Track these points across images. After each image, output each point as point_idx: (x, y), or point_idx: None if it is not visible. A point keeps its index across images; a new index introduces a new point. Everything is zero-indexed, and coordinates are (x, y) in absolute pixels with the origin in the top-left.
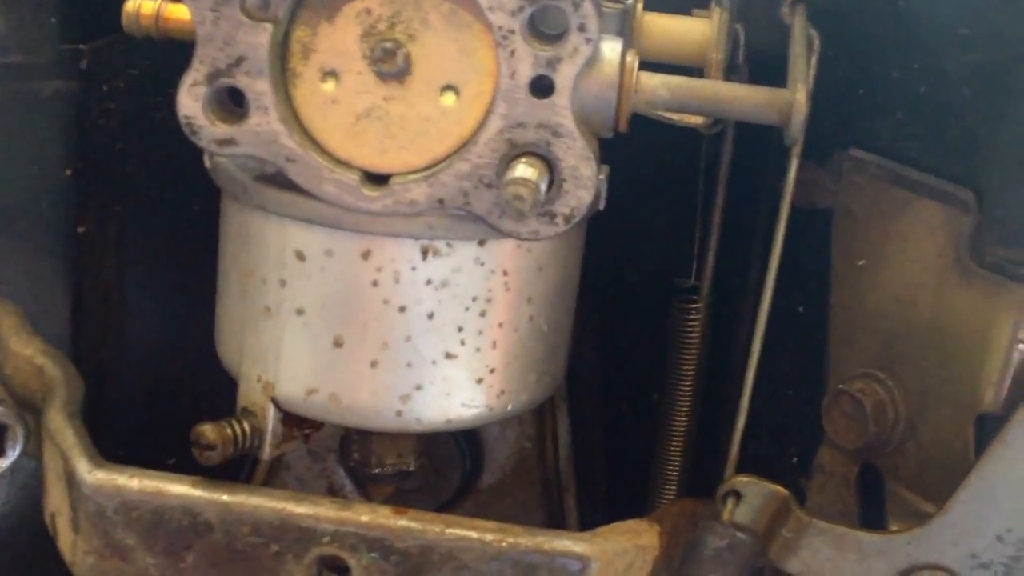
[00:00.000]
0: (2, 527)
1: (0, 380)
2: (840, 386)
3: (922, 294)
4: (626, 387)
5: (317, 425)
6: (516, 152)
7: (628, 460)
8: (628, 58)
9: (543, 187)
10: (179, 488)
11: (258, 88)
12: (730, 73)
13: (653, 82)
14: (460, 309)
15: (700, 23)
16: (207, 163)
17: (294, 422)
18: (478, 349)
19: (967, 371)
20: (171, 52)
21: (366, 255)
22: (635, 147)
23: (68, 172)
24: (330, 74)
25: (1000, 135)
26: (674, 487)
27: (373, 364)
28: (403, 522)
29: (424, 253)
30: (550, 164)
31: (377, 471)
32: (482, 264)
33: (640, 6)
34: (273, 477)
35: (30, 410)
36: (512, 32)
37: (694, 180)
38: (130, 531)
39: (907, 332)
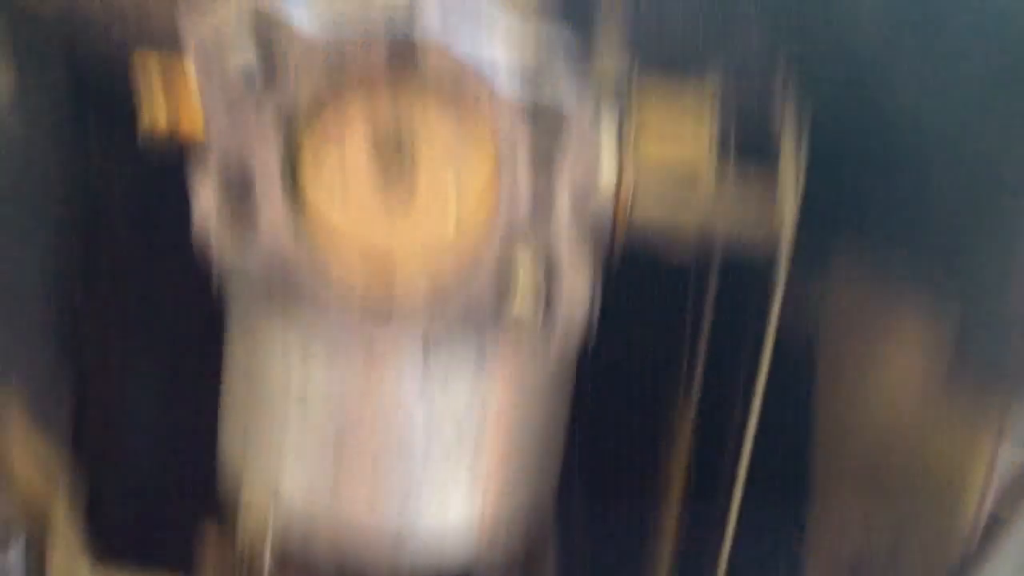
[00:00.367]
0: None
1: (5, 476)
2: (825, 503)
3: (909, 406)
4: (619, 502)
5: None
6: (516, 261)
7: (620, 574)
8: (624, 178)
9: (541, 301)
10: None
11: (269, 196)
12: (722, 180)
13: (647, 199)
14: (458, 415)
15: (694, 128)
16: (216, 269)
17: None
18: (475, 450)
19: (954, 486)
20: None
21: (369, 357)
22: (629, 261)
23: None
24: (339, 183)
25: (983, 252)
26: None
27: (374, 464)
28: None
29: (425, 361)
30: (549, 273)
31: None
32: (480, 377)
33: (637, 115)
34: None
35: (34, 507)
36: (514, 150)
37: (684, 297)
38: None
39: (893, 447)
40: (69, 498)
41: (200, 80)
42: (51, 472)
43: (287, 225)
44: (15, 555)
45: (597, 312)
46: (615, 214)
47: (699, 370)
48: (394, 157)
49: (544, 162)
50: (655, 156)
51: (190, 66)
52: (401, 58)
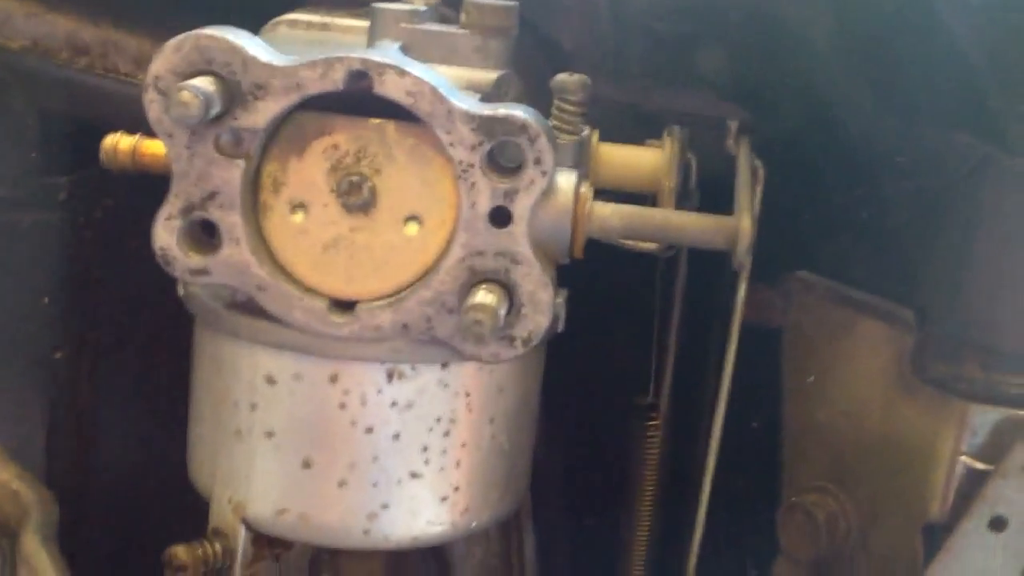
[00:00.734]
0: None
1: None
2: (793, 499)
3: (870, 409)
4: (590, 502)
5: (287, 545)
6: (476, 279)
7: (593, 574)
8: (582, 189)
9: (502, 312)
10: None
11: (230, 220)
12: (682, 200)
13: (606, 211)
14: (424, 430)
15: (653, 152)
16: (180, 291)
17: (264, 542)
18: (442, 468)
19: (914, 483)
20: (145, 183)
21: (334, 379)
22: (595, 269)
23: (45, 300)
24: (299, 206)
25: (935, 255)
26: None
27: (341, 484)
28: None
29: (389, 376)
30: (509, 290)
31: None
32: (445, 386)
33: (595, 137)
34: None
35: (5, 534)
36: (472, 166)
37: (651, 300)
38: None
39: (856, 446)
40: (40, 523)
41: (159, 107)
42: (22, 496)
43: (249, 248)
44: None
45: (563, 322)
46: (575, 225)
47: (669, 365)
48: (353, 176)
49: (502, 175)
50: (614, 174)
51: (149, 94)
52: (358, 79)
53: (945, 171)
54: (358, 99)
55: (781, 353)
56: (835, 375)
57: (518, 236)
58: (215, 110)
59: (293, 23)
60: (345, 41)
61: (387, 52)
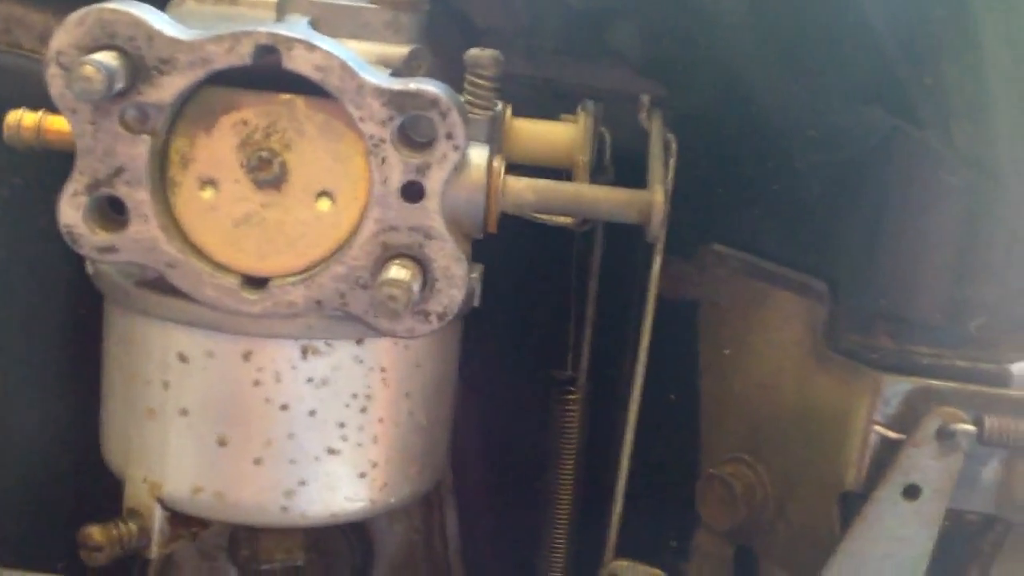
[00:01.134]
0: None
1: None
2: (711, 470)
3: (784, 380)
4: (510, 476)
5: (204, 523)
6: (390, 254)
7: (515, 547)
8: (495, 163)
9: (416, 287)
10: None
11: (138, 197)
12: (597, 174)
13: (519, 185)
14: (341, 406)
15: (567, 127)
16: (89, 269)
17: (181, 521)
18: (360, 444)
19: (829, 453)
20: (55, 161)
21: (247, 356)
22: (510, 244)
23: None
24: (208, 182)
25: (847, 228)
26: (559, 572)
27: (257, 462)
28: None
29: (304, 353)
30: (423, 265)
31: (266, 567)
32: (361, 362)
33: (509, 112)
34: None
35: None
36: (383, 141)
37: (568, 274)
38: None
39: (772, 417)
40: None
41: (62, 82)
42: None
43: (157, 225)
44: None
45: (479, 297)
46: (488, 200)
47: (587, 338)
48: (263, 152)
49: (414, 149)
50: (528, 149)
51: (51, 68)
52: (266, 53)
53: (855, 144)
54: (268, 74)
55: (696, 326)
56: (750, 347)
57: (431, 211)
58: (119, 85)
59: None
60: (253, 16)
61: (296, 27)
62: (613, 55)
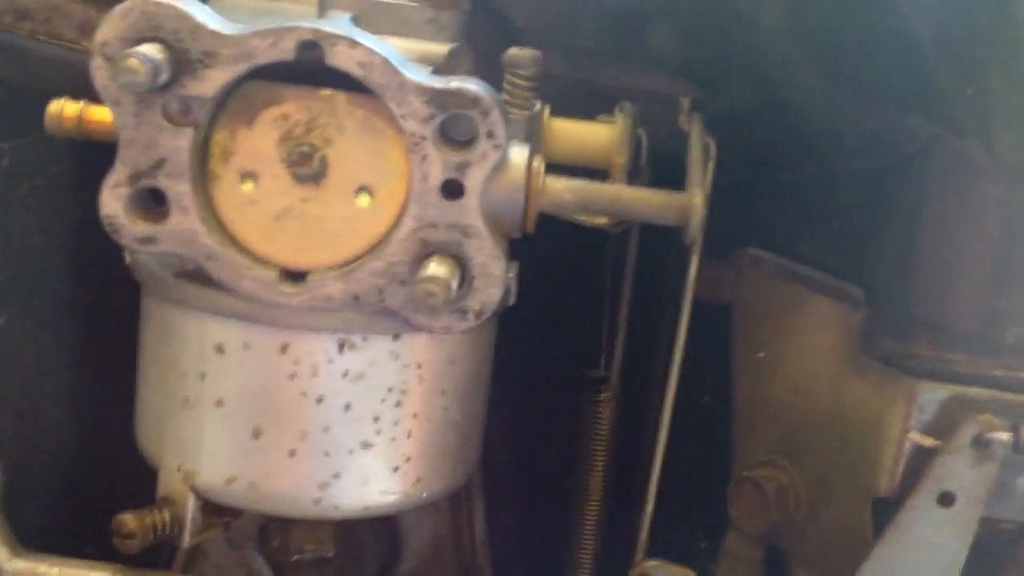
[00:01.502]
0: None
1: None
2: (743, 473)
3: (819, 385)
4: (540, 474)
5: (237, 513)
6: (428, 251)
7: (543, 545)
8: (534, 163)
9: (454, 284)
10: None
11: (179, 189)
12: (633, 176)
13: (558, 185)
14: (376, 400)
15: (604, 128)
16: (128, 259)
17: (214, 510)
18: (394, 439)
19: (863, 458)
20: (91, 150)
21: (284, 349)
22: (546, 244)
23: None
24: (249, 176)
25: (885, 234)
26: (587, 571)
27: (291, 453)
28: None
29: (340, 347)
30: (461, 262)
31: (296, 558)
32: (397, 357)
33: (547, 112)
34: (192, 565)
35: None
36: (424, 138)
37: (602, 275)
38: None
39: (806, 421)
40: None
41: (106, 74)
42: None
43: (197, 217)
44: None
45: (514, 295)
46: (527, 199)
47: (620, 339)
48: (304, 147)
49: (454, 148)
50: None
51: (95, 60)
52: (309, 49)
53: (894, 151)
54: (309, 69)
55: (731, 329)
56: (785, 351)
57: (470, 209)
58: (163, 78)
59: None
60: (295, 11)
61: (338, 23)
62: (649, 56)
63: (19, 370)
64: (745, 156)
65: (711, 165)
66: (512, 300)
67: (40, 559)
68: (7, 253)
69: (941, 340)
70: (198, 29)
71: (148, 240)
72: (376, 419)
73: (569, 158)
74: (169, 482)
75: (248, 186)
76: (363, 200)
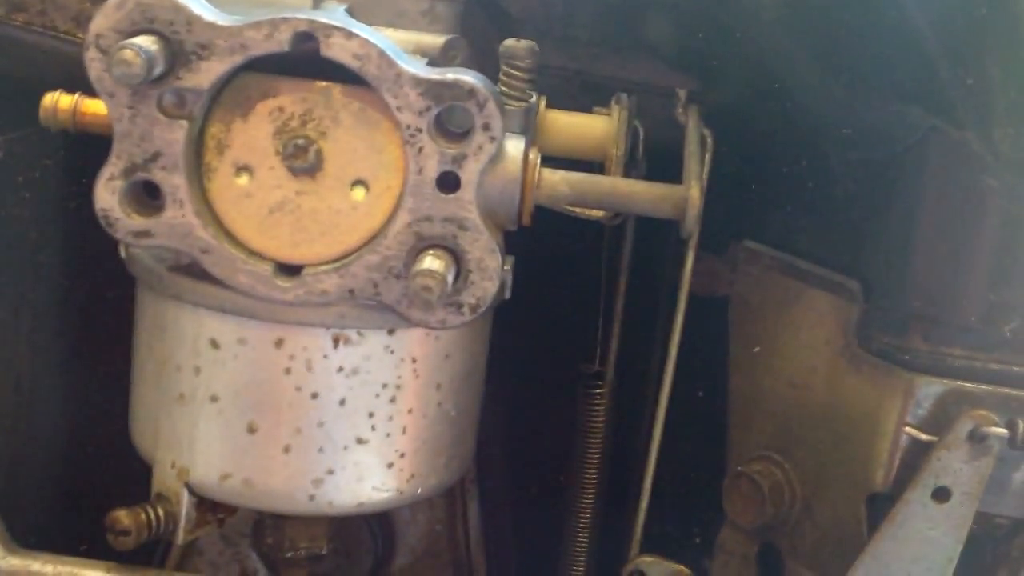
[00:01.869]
0: None
1: None
2: (739, 468)
3: (815, 379)
4: (535, 469)
5: (231, 510)
6: (424, 244)
7: (537, 541)
8: (530, 155)
9: (450, 278)
10: (93, 573)
11: (173, 182)
12: (630, 168)
13: (554, 178)
14: (371, 396)
15: (601, 120)
16: (123, 253)
17: (208, 507)
18: (388, 434)
19: (859, 453)
20: (85, 143)
21: (279, 343)
22: (540, 237)
23: None
24: (244, 169)
25: (881, 228)
26: (582, 567)
27: (286, 449)
28: None
29: (335, 342)
30: (457, 256)
31: (290, 555)
32: (392, 352)
33: (543, 104)
34: (186, 562)
35: None
36: (419, 131)
37: (597, 269)
38: None
39: (801, 416)
40: None
41: (101, 66)
42: None
43: (192, 210)
44: None
45: (510, 289)
46: (523, 192)
47: (615, 333)
48: (299, 139)
49: (450, 140)
50: (561, 142)
51: (90, 52)
52: (304, 40)
53: (892, 143)
54: (305, 61)
55: (727, 322)
56: (781, 345)
57: (466, 202)
58: (158, 70)
59: None
60: (291, 3)
61: (334, 14)
62: (646, 48)
63: (13, 365)
64: (742, 148)
65: (708, 157)
66: (507, 294)
67: (34, 556)
68: (1, 247)
69: (938, 334)
70: (193, 20)
71: (143, 234)
72: (371, 415)
73: (565, 150)
74: (163, 479)
75: (243, 179)
76: (358, 193)
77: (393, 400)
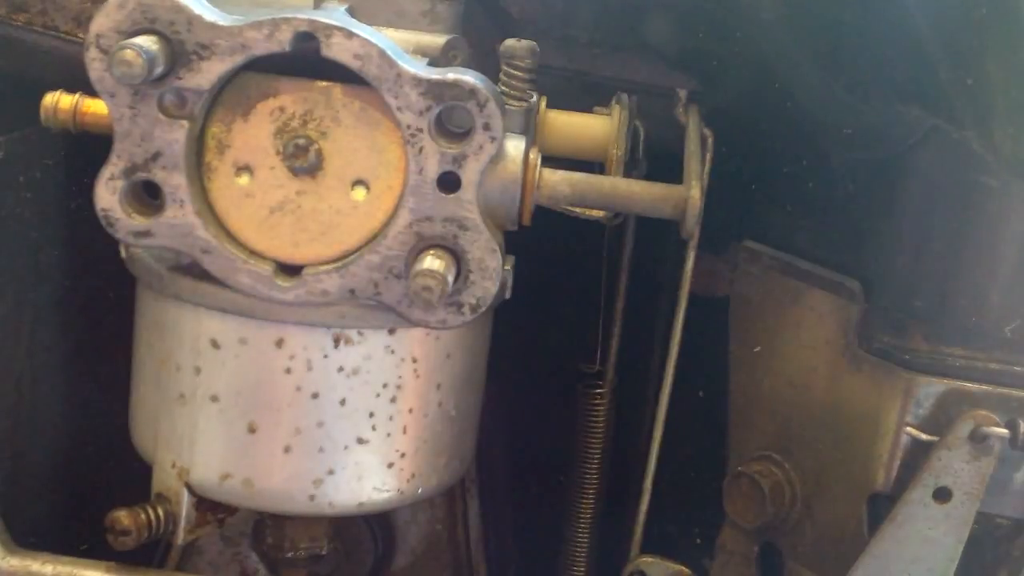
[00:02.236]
0: None
1: None
2: (739, 468)
3: (815, 379)
4: (535, 469)
5: (231, 510)
6: (424, 244)
7: (537, 541)
8: (531, 155)
9: (450, 278)
10: (93, 574)
11: (174, 182)
12: (630, 168)
13: (555, 178)
14: (371, 395)
15: (601, 120)
16: (123, 253)
17: (208, 507)
18: (389, 434)
19: (859, 453)
20: (86, 142)
21: (279, 343)
22: (541, 237)
23: None
24: (244, 169)
25: (882, 228)
26: (582, 567)
27: (286, 449)
28: None
29: (336, 341)
30: (457, 256)
31: (290, 555)
32: (392, 352)
33: (543, 104)
34: (186, 562)
35: None
36: (420, 130)
37: (598, 269)
38: None
39: (802, 416)
40: None
41: (101, 66)
42: None
43: (193, 210)
44: None
45: (511, 286)
46: (524, 192)
47: (616, 333)
48: (300, 139)
49: (450, 140)
50: (562, 142)
51: (90, 52)
52: (305, 40)
53: (892, 143)
54: (305, 61)
55: (727, 322)
56: (781, 345)
57: (466, 202)
58: (159, 70)
59: None
60: (291, 3)
61: (334, 14)
62: (647, 48)
63: (13, 365)
64: (742, 148)
65: (708, 157)
66: (508, 294)
67: (34, 557)
68: (2, 246)
69: (938, 334)
70: (194, 20)
71: (143, 234)
72: (371, 414)
73: (565, 150)
74: (163, 479)
75: (244, 179)
76: (359, 193)
77: (393, 400)
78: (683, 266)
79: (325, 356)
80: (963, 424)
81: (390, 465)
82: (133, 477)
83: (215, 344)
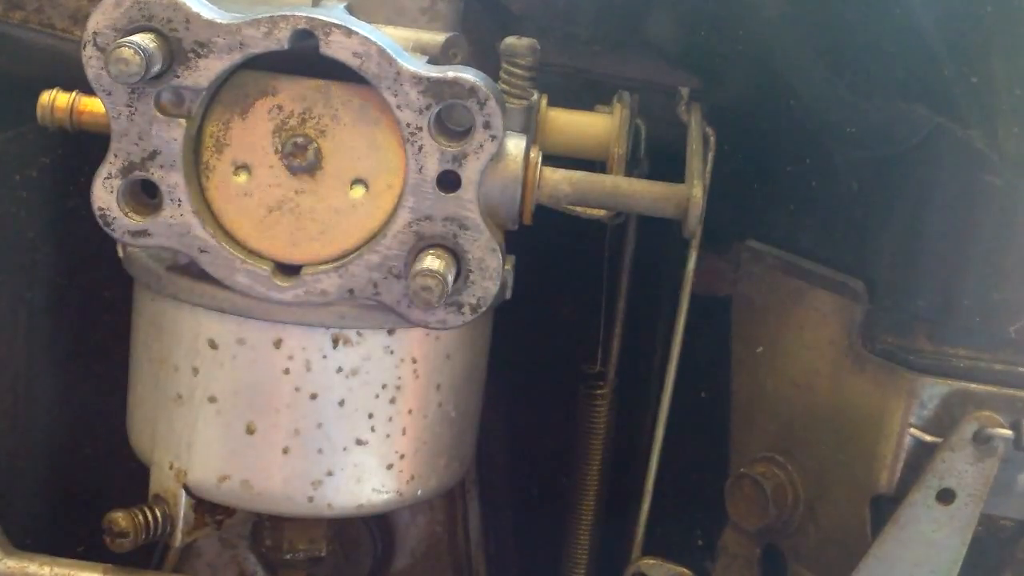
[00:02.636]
0: None
1: None
2: (741, 469)
3: (818, 380)
4: (536, 471)
5: (229, 512)
6: (424, 244)
7: (538, 543)
8: (532, 154)
9: (450, 278)
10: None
11: (171, 181)
12: (632, 167)
13: (556, 177)
14: (370, 396)
15: (602, 118)
16: (120, 253)
17: (206, 509)
18: (388, 436)
19: (863, 454)
20: (83, 141)
21: (278, 344)
22: (542, 237)
23: None
24: (242, 167)
25: (886, 227)
26: (583, 569)
27: (285, 451)
28: None
29: (335, 342)
30: (457, 256)
31: (289, 557)
32: (391, 352)
33: (544, 102)
34: (184, 564)
35: None
36: (420, 129)
37: (599, 269)
38: None
39: (805, 417)
40: None
41: (98, 64)
42: None
43: (191, 209)
44: None
45: (511, 286)
46: (525, 191)
47: (617, 333)
48: (298, 138)
49: (450, 138)
50: (563, 140)
51: (87, 50)
52: (304, 38)
53: (896, 141)
54: (304, 59)
55: (730, 322)
56: (784, 345)
57: (467, 201)
58: (156, 68)
59: None
60: (290, 0)
61: (333, 11)
62: (648, 45)
63: (10, 365)
64: (745, 147)
65: (710, 156)
66: (508, 294)
67: (31, 558)
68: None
69: (942, 334)
70: (192, 18)
71: (141, 233)
72: (370, 415)
73: (567, 149)
74: (161, 480)
75: (242, 178)
76: (358, 192)
77: (393, 401)
78: (685, 266)
79: (324, 357)
80: (967, 425)
81: (389, 466)
82: (130, 478)
83: (213, 344)
